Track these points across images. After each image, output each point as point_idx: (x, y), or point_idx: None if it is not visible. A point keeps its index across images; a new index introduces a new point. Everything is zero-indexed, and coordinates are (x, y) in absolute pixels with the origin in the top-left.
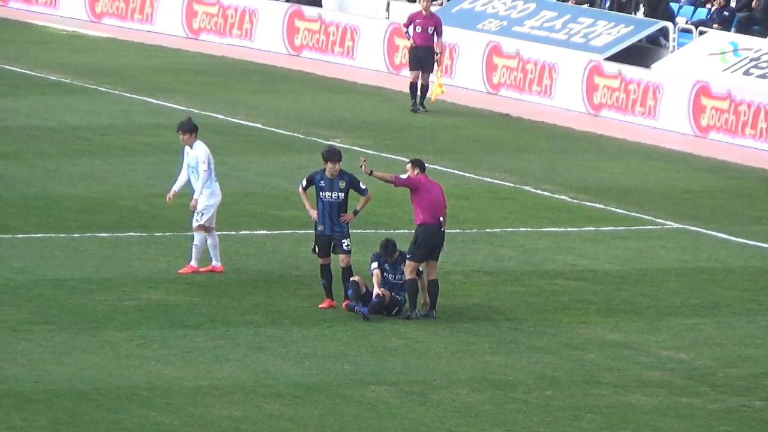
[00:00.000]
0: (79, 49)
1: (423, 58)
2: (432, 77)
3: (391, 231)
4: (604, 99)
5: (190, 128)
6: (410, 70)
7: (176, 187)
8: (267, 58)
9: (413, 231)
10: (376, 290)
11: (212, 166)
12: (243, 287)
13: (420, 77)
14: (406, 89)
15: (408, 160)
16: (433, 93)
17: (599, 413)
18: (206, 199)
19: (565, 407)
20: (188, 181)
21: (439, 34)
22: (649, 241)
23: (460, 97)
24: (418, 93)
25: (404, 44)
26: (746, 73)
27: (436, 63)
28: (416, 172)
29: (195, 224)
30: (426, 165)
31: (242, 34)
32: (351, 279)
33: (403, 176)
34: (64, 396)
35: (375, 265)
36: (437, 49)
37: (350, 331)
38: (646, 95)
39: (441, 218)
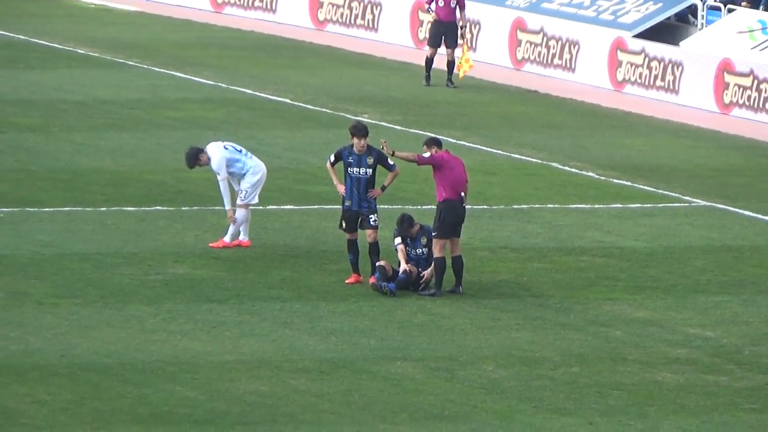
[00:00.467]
0: (107, 23)
1: (446, 33)
2: (457, 52)
3: (418, 207)
4: (628, 75)
5: (190, 160)
6: (429, 46)
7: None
8: (293, 33)
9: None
10: (402, 266)
11: (237, 153)
12: (270, 262)
13: (446, 53)
14: (439, 65)
15: (423, 142)
16: (461, 70)
17: (625, 390)
18: (250, 180)
19: (592, 384)
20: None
21: (462, 8)
22: (677, 219)
23: (487, 73)
24: (445, 69)
25: (427, 19)
26: None
27: (461, 38)
28: (434, 150)
29: (239, 202)
30: (442, 140)
31: (264, 7)
32: (377, 264)
33: (426, 155)
34: (89, 370)
35: (398, 240)
36: (461, 24)
37: (376, 307)
38: (668, 71)
39: (463, 193)
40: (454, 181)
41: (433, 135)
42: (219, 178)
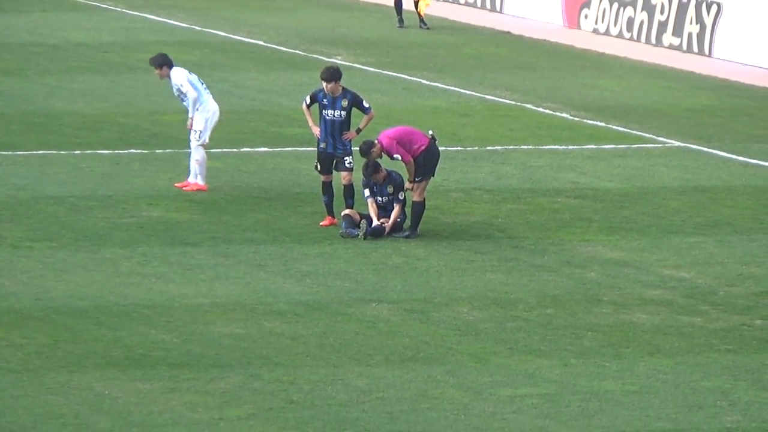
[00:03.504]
0: None
1: None
2: None
3: None
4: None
5: (158, 62)
6: None
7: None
8: None
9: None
10: (375, 221)
11: (200, 84)
12: (244, 205)
13: None
14: (409, 7)
15: (364, 148)
16: (420, 7)
17: (600, 331)
18: (201, 116)
19: (566, 325)
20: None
21: None
22: (651, 160)
23: (462, 15)
24: (416, 9)
25: None
26: None
27: None
28: (380, 148)
29: (195, 143)
30: (416, 83)
31: None
32: (343, 213)
33: (398, 156)
34: (64, 313)
35: (367, 192)
36: None
37: (351, 249)
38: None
39: (430, 132)
40: (415, 136)
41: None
42: (188, 91)
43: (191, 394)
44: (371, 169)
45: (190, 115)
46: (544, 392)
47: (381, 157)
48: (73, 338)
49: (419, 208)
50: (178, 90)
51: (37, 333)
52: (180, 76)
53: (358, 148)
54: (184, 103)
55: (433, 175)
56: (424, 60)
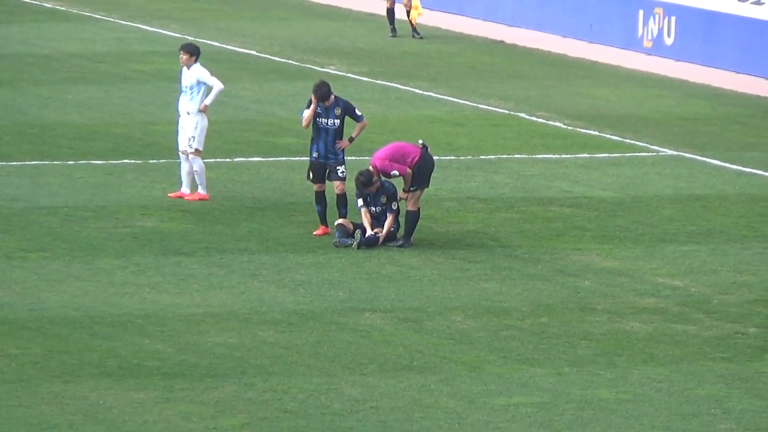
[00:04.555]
0: None
1: None
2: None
3: None
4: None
5: (193, 50)
6: None
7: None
8: None
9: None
10: (369, 231)
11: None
12: (237, 214)
13: (403, 3)
14: (402, 16)
15: (364, 181)
16: (412, 16)
17: (594, 340)
18: (200, 123)
19: (560, 334)
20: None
21: None
22: (644, 168)
23: (456, 24)
24: (409, 18)
25: None
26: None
27: None
28: (376, 178)
29: (191, 150)
30: (410, 92)
31: None
32: (336, 223)
33: (396, 172)
34: (58, 323)
35: (361, 202)
36: None
37: (344, 258)
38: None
39: (420, 141)
40: (405, 150)
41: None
42: (213, 81)
43: (185, 403)
44: (365, 181)
45: (207, 103)
46: (538, 401)
47: (379, 179)
48: (67, 348)
49: (413, 217)
50: (198, 83)
51: (31, 343)
52: (205, 70)
53: (354, 181)
54: (184, 98)
55: (427, 186)
56: (417, 69)
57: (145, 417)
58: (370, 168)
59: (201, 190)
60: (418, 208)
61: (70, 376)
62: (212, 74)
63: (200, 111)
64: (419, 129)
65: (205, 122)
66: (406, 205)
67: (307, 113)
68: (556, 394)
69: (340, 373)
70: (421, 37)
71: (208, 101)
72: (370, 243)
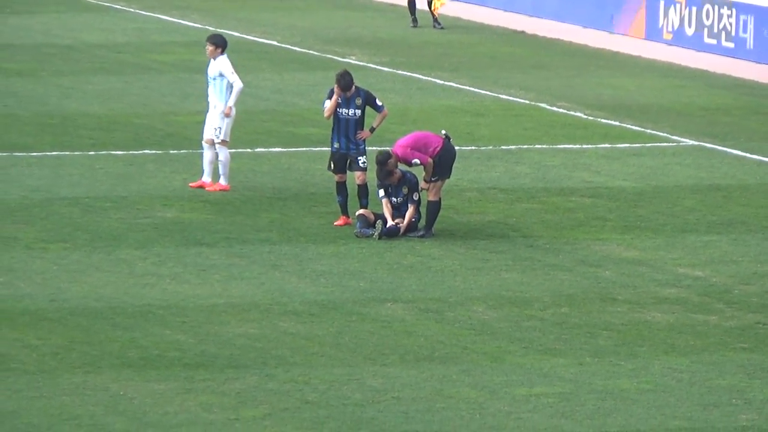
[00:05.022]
0: None
1: None
2: None
3: None
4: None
5: (220, 41)
6: None
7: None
8: None
9: None
10: (390, 222)
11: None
12: (258, 205)
13: None
14: (423, 7)
15: (381, 159)
16: (435, 6)
17: (615, 330)
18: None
19: (581, 324)
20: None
21: None
22: (665, 158)
23: (477, 15)
24: (430, 9)
25: None
26: None
27: None
28: (395, 159)
29: (218, 140)
30: (431, 82)
31: None
32: (357, 213)
33: (417, 161)
34: (79, 314)
35: (382, 192)
36: None
37: (365, 249)
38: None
39: (443, 132)
40: (427, 139)
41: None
42: (234, 77)
43: (207, 394)
44: (385, 172)
45: (230, 104)
46: (559, 391)
47: (397, 167)
48: (88, 339)
49: (435, 207)
50: (220, 75)
51: (52, 334)
52: (229, 64)
53: (374, 159)
54: (214, 91)
55: (449, 176)
56: (439, 60)
57: (166, 408)
58: (390, 151)
59: (223, 181)
60: (440, 199)
61: (91, 367)
62: (235, 70)
63: (225, 115)
64: (440, 119)
65: (232, 114)
66: (428, 196)
67: (329, 104)
68: (577, 385)
69: (362, 364)
70: (442, 28)
71: (231, 102)
72: (391, 233)
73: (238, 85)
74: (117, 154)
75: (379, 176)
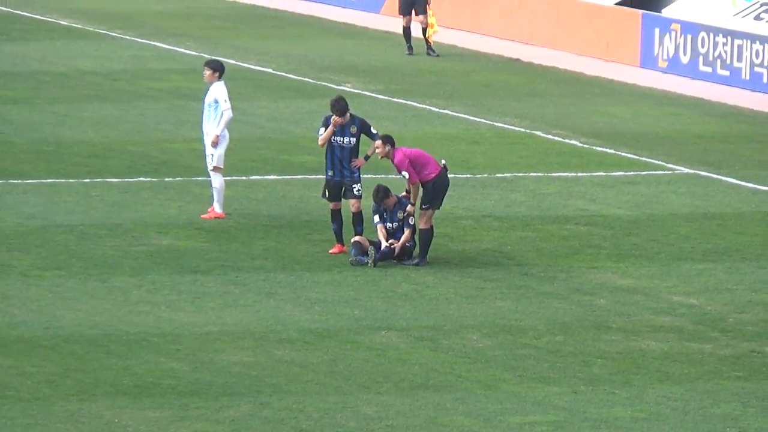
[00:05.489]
0: None
1: (416, 0)
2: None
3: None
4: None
5: (217, 66)
6: (401, 14)
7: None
8: (276, 3)
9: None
10: (384, 244)
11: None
12: (253, 232)
13: (414, 20)
14: (418, 34)
15: (379, 137)
16: (428, 33)
17: (610, 359)
18: (221, 140)
19: (576, 353)
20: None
21: None
22: (660, 186)
23: (471, 42)
24: (425, 36)
25: None
26: (757, 18)
27: (427, 2)
28: (387, 148)
29: (209, 167)
30: (426, 110)
31: None
32: (353, 240)
33: (406, 174)
34: (73, 342)
35: (377, 218)
36: None
37: (360, 277)
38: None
39: (443, 162)
40: (428, 161)
41: (386, 134)
42: (226, 106)
43: (201, 422)
44: (382, 194)
45: (217, 133)
46: (553, 419)
47: (391, 195)
48: (82, 367)
49: (427, 235)
50: (215, 102)
51: (46, 361)
52: (224, 91)
53: (371, 193)
54: (208, 118)
55: (439, 207)
56: (433, 87)
57: None
58: (389, 189)
59: (217, 208)
60: (431, 226)
61: (86, 395)
62: (230, 97)
63: (212, 144)
64: (435, 147)
65: (226, 140)
66: (418, 224)
67: (325, 132)
68: (571, 413)
69: (356, 392)
70: (437, 55)
71: (218, 131)
72: (385, 257)
73: (227, 114)
74: (112, 182)
75: (375, 199)
